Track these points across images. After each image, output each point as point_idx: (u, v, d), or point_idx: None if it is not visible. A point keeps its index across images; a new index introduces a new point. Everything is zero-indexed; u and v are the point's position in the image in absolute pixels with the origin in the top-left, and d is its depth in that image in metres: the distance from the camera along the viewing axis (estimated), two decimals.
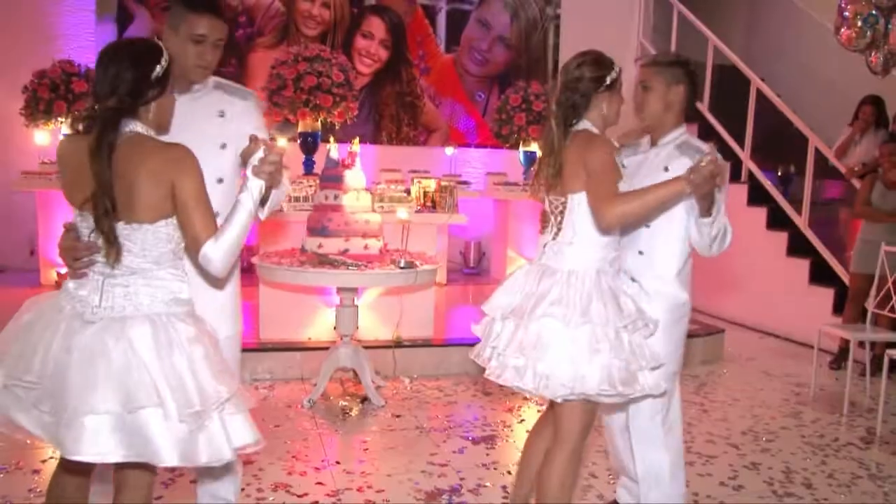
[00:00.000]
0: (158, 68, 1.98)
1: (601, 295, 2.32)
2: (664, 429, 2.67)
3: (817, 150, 6.59)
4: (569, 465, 2.38)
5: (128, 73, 1.94)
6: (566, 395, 2.27)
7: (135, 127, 1.96)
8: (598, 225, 2.34)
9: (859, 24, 5.73)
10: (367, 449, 3.69)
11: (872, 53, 5.85)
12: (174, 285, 2.01)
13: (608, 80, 2.39)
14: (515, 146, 7.55)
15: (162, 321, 1.94)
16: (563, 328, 2.27)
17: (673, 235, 2.64)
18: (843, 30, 5.85)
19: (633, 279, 2.61)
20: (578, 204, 2.37)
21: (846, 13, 5.79)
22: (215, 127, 2.33)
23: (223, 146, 2.33)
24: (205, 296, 2.35)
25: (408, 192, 5.93)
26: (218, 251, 1.96)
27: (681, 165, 2.44)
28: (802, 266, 6.53)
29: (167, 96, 2.04)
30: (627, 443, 2.78)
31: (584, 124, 2.42)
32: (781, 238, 6.78)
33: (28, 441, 3.58)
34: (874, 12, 5.66)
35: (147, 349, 1.88)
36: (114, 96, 1.92)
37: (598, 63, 2.40)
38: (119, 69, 1.94)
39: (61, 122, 6.81)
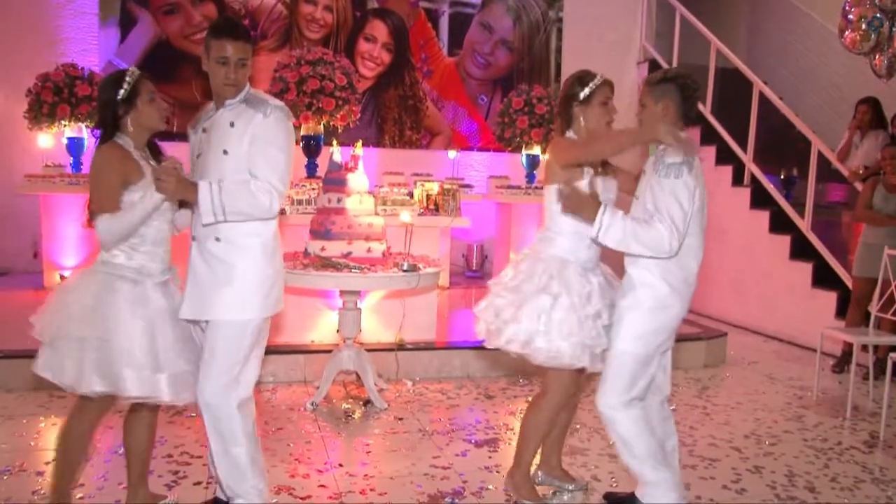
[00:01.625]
0: (122, 91, 2.56)
1: (558, 280, 2.85)
2: (634, 407, 2.83)
3: (820, 154, 6.58)
4: (548, 414, 3.02)
5: (100, 102, 2.62)
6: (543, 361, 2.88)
7: (118, 139, 2.59)
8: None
9: (864, 27, 5.73)
10: (369, 452, 3.69)
11: (876, 56, 5.85)
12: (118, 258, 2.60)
13: (580, 97, 2.90)
14: (518, 149, 7.56)
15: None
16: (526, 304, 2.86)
17: None
18: (847, 33, 5.86)
19: (626, 269, 2.90)
20: (548, 194, 2.94)
21: (850, 16, 5.79)
22: (223, 136, 2.60)
23: (225, 152, 2.59)
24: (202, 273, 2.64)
25: (410, 195, 5.93)
26: (100, 224, 2.52)
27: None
28: (805, 269, 6.53)
29: (144, 107, 2.58)
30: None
31: (570, 133, 2.96)
32: (784, 241, 6.77)
33: (32, 443, 3.60)
34: (878, 15, 5.66)
35: None
36: (100, 121, 2.62)
37: (574, 81, 2.93)
38: (98, 101, 2.68)
39: (65, 126, 6.82)
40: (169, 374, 2.55)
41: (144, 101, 2.60)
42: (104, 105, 2.60)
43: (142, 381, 2.49)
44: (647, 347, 2.80)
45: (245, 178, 2.54)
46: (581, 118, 2.92)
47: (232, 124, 2.59)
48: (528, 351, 2.89)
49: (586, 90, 2.89)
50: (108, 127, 2.59)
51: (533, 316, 2.85)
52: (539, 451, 3.22)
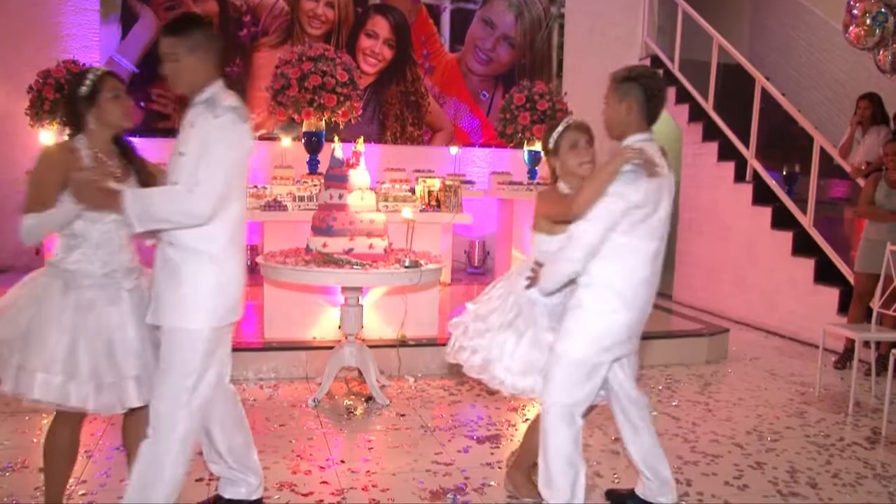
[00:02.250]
0: (84, 88, 2.55)
1: (524, 318, 2.91)
2: (572, 425, 2.74)
3: (822, 150, 6.57)
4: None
5: (65, 99, 2.65)
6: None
7: (78, 139, 2.60)
8: None
9: (868, 22, 5.70)
10: (371, 448, 3.69)
11: (881, 52, 5.82)
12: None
13: (550, 146, 2.95)
14: (520, 145, 7.54)
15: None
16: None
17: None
18: (851, 28, 5.83)
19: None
20: (535, 239, 3.03)
21: (855, 11, 5.76)
22: (183, 137, 2.52)
23: (181, 154, 2.48)
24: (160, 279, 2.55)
25: (412, 191, 5.93)
26: (24, 220, 2.51)
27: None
28: (807, 265, 6.52)
29: (106, 104, 2.56)
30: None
31: (561, 184, 2.98)
32: (786, 237, 6.76)
33: (34, 440, 3.60)
34: (883, 10, 5.64)
35: None
36: (65, 118, 2.67)
37: (546, 132, 2.99)
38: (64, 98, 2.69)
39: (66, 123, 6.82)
40: (81, 383, 2.44)
41: (107, 99, 2.57)
42: (67, 102, 2.63)
43: (48, 387, 2.41)
44: (587, 352, 2.68)
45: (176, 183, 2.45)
46: (557, 166, 2.96)
47: (192, 125, 2.49)
48: (486, 377, 2.94)
49: (550, 141, 2.94)
50: (73, 125, 2.60)
51: (493, 348, 2.90)
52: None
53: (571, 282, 2.77)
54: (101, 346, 2.49)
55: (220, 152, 2.41)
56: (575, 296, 2.75)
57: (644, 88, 2.68)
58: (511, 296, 2.98)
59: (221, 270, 2.54)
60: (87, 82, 2.55)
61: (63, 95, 6.68)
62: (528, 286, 2.91)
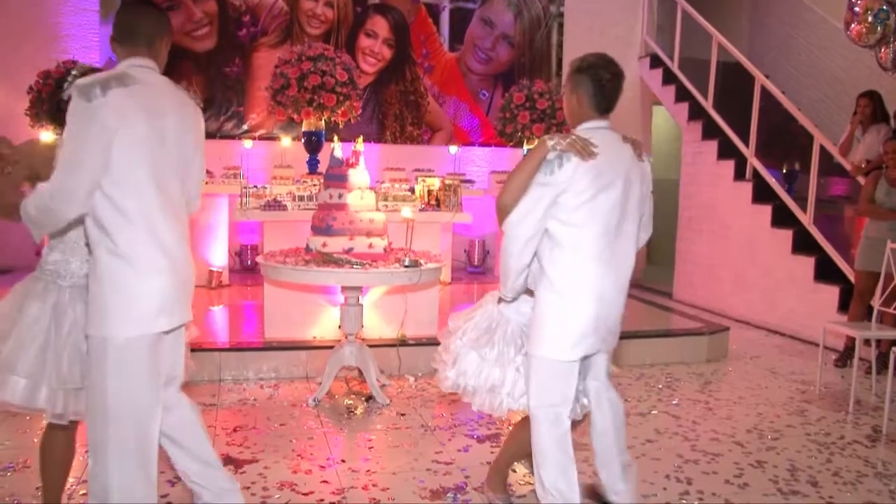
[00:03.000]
0: (66, 85, 2.63)
1: (497, 334, 2.92)
2: (559, 426, 2.70)
3: (822, 148, 6.57)
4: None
5: (48, 98, 2.61)
6: None
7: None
8: None
9: (870, 19, 5.69)
10: (372, 447, 3.70)
11: (882, 49, 5.82)
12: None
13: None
14: (519, 144, 7.55)
15: None
16: None
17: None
18: (853, 25, 5.82)
19: None
20: None
21: (856, 8, 5.75)
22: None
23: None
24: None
25: (412, 190, 5.93)
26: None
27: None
28: (807, 263, 6.52)
29: None
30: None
31: None
32: (786, 235, 6.77)
33: (35, 440, 3.60)
34: (885, 7, 5.63)
35: None
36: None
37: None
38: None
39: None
40: (53, 388, 2.40)
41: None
42: (49, 101, 2.72)
43: (13, 390, 2.38)
44: (551, 349, 2.63)
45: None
46: None
47: None
48: (459, 392, 2.95)
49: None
50: (57, 123, 2.58)
51: (463, 368, 2.91)
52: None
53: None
54: (72, 352, 2.43)
55: (67, 135, 2.25)
56: (536, 297, 2.71)
57: (593, 79, 2.65)
58: (487, 313, 2.97)
59: (124, 273, 2.30)
60: (66, 84, 2.60)
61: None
62: (499, 300, 2.91)
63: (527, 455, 2.88)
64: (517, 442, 2.99)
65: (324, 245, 4.20)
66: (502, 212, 2.64)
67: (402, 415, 4.17)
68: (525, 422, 2.88)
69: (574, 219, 2.55)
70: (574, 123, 2.74)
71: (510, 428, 3.32)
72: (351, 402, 4.37)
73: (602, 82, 2.65)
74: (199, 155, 2.53)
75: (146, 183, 2.26)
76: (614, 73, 2.67)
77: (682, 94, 8.45)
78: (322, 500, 3.09)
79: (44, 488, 2.66)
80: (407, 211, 4.40)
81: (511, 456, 3.07)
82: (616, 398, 2.90)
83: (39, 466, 2.65)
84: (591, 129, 2.66)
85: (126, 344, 2.25)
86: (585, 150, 2.52)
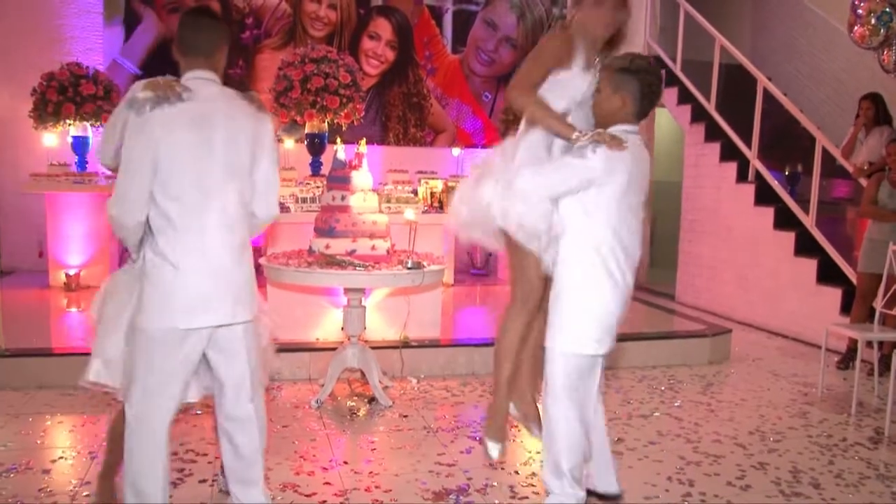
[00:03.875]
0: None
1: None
2: (572, 408, 2.73)
3: (824, 150, 6.57)
4: (516, 327, 2.87)
5: None
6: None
7: None
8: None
9: (873, 21, 5.70)
10: (374, 449, 3.70)
11: (885, 51, 5.81)
12: None
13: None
14: None
15: None
16: None
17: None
18: (856, 27, 5.82)
19: None
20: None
21: (860, 11, 5.75)
22: None
23: None
24: None
25: (415, 192, 5.94)
26: None
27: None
28: (810, 266, 6.52)
29: None
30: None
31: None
32: (789, 238, 6.76)
33: (38, 441, 3.61)
34: (888, 10, 5.62)
35: None
36: None
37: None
38: None
39: (69, 125, 6.84)
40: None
41: None
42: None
43: (97, 372, 2.58)
44: (575, 344, 2.66)
45: None
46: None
47: None
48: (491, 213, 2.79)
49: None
50: None
51: (489, 187, 2.77)
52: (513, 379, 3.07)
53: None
54: None
55: None
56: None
57: (642, 84, 2.63)
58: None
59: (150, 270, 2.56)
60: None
61: (66, 98, 6.71)
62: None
63: (512, 358, 2.90)
64: (500, 353, 2.94)
65: (327, 247, 4.21)
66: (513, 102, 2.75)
67: (405, 416, 4.18)
68: (500, 331, 2.92)
69: (594, 205, 2.60)
70: (608, 123, 2.69)
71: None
72: (353, 403, 4.38)
73: (652, 89, 2.65)
74: (262, 162, 2.56)
75: (190, 189, 2.38)
76: (660, 81, 2.70)
77: (685, 97, 8.45)
78: (324, 501, 3.09)
79: (105, 463, 2.84)
80: (410, 213, 4.41)
81: (504, 374, 2.95)
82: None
83: (107, 441, 2.86)
84: (626, 133, 2.65)
85: (154, 335, 2.42)
86: (616, 143, 2.53)
